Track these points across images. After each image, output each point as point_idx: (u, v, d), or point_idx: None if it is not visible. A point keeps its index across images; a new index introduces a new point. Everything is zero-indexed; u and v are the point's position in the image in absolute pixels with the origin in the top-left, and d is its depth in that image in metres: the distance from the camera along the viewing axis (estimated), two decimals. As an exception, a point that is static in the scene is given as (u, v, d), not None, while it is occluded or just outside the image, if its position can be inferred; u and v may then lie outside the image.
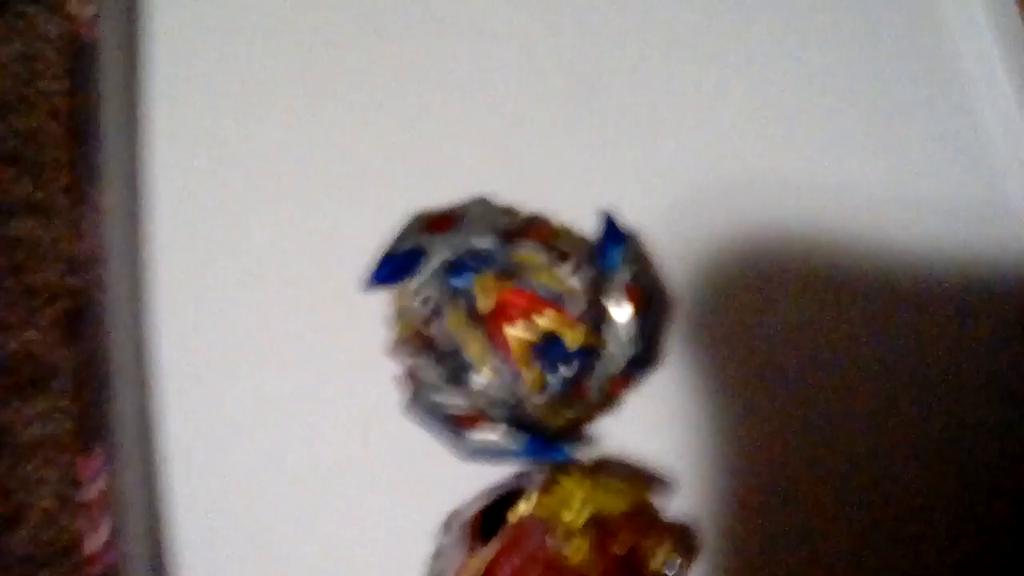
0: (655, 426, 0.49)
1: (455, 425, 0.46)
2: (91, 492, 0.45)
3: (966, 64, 0.56)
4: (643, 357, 0.48)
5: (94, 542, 0.45)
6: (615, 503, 0.44)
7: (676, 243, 0.52)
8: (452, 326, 0.46)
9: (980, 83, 0.55)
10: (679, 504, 0.48)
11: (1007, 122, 0.54)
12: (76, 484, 0.48)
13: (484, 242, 0.47)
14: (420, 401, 0.46)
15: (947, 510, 0.49)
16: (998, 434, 0.50)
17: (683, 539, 0.47)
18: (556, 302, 0.46)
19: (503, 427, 0.45)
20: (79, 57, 0.51)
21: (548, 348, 0.46)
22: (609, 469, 0.48)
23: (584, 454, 0.49)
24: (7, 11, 0.56)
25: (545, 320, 0.46)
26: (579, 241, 0.49)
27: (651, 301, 0.49)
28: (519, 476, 0.46)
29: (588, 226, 0.50)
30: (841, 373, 0.51)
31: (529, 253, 0.47)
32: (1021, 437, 0.50)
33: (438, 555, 0.45)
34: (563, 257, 0.47)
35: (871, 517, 0.49)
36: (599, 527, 0.44)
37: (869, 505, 0.49)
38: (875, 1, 0.57)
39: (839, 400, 0.51)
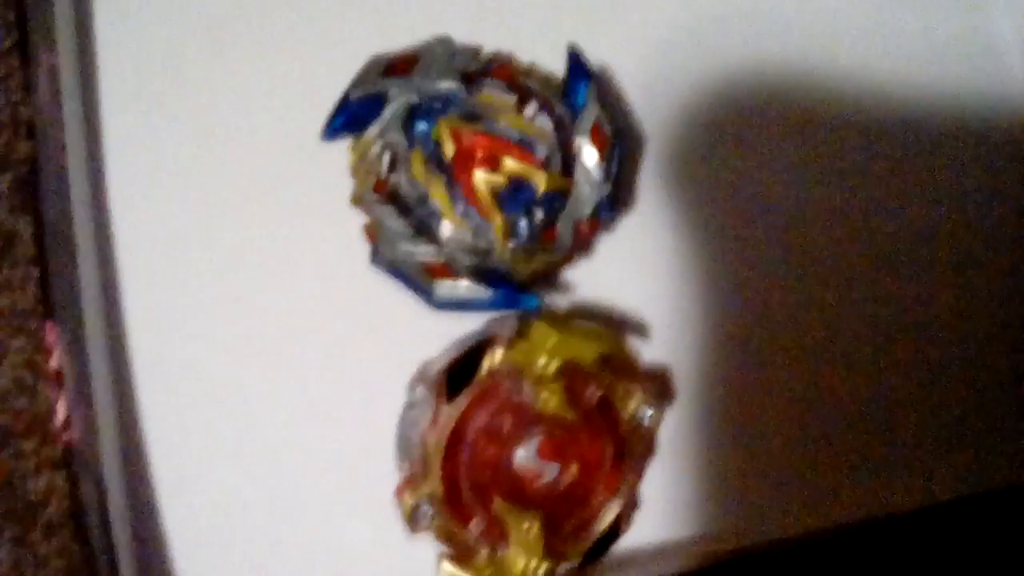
0: (628, 271, 0.49)
1: (423, 275, 0.45)
2: (52, 359, 0.44)
3: None
4: (614, 199, 0.46)
5: (60, 411, 0.44)
6: (587, 350, 0.44)
7: (648, 80, 0.50)
8: (415, 173, 0.45)
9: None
10: (653, 351, 0.48)
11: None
12: (45, 353, 0.47)
13: (446, 84, 0.45)
14: (386, 252, 0.45)
15: (933, 342, 0.49)
16: (995, 276, 0.50)
17: (657, 386, 0.46)
18: (523, 145, 0.45)
19: (473, 275, 0.44)
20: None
21: (516, 193, 0.44)
22: (582, 316, 0.47)
23: (556, 301, 0.48)
24: None
25: (512, 163, 0.44)
26: (544, 80, 0.47)
27: (621, 140, 0.47)
28: (490, 325, 0.45)
29: (554, 65, 0.48)
30: (822, 215, 0.50)
31: (493, 95, 0.45)
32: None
33: (411, 407, 0.44)
34: (528, 97, 0.45)
35: (851, 363, 0.49)
36: (571, 374, 0.43)
37: (849, 351, 0.49)
38: None
39: (820, 243, 0.50)
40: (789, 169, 0.50)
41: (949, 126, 0.51)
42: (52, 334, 0.45)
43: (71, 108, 0.48)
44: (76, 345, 0.45)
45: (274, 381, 0.47)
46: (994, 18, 0.52)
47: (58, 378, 0.44)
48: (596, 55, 0.48)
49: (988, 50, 0.52)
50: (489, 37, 0.48)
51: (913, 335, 0.49)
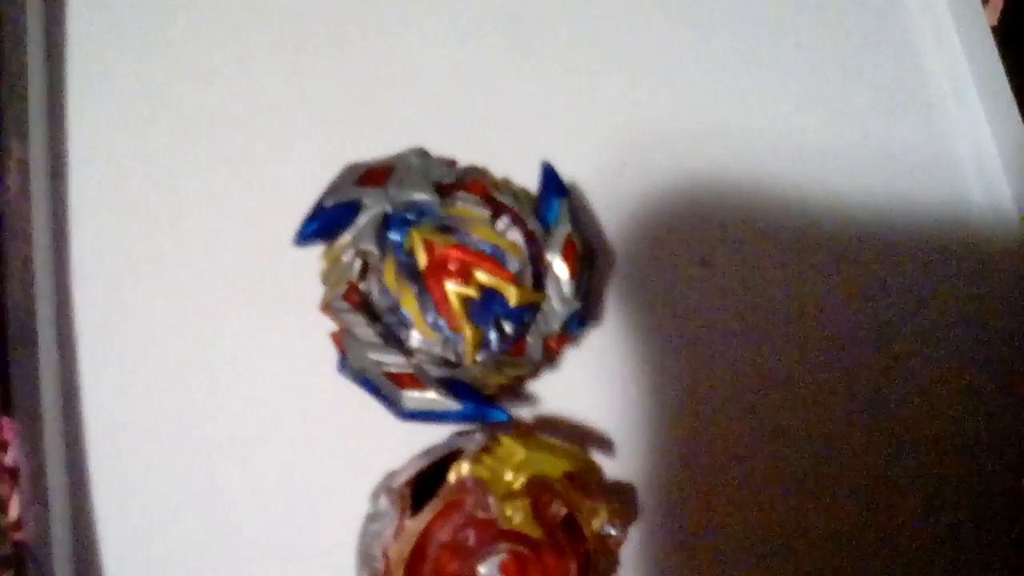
0: (592, 385, 0.49)
1: (391, 384, 0.45)
2: (7, 455, 0.44)
3: (913, 14, 0.55)
4: (583, 314, 0.46)
5: (13, 508, 0.43)
6: (555, 465, 0.44)
7: (615, 196, 0.51)
8: (387, 282, 0.45)
9: (927, 35, 0.55)
10: (617, 465, 0.48)
11: (953, 74, 0.54)
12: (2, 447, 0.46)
13: (421, 195, 0.46)
14: (355, 359, 0.45)
15: (886, 458, 0.50)
16: (955, 390, 0.51)
17: (621, 503, 0.46)
18: (495, 258, 0.45)
19: (441, 387, 0.44)
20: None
21: (487, 305, 0.45)
22: (546, 428, 0.47)
23: (521, 413, 0.48)
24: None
25: (483, 276, 0.45)
26: (518, 194, 0.47)
27: (591, 256, 0.47)
28: (457, 437, 0.45)
29: (527, 178, 0.48)
30: (783, 328, 0.50)
31: (467, 207, 0.46)
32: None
33: (373, 518, 0.44)
34: (502, 211, 0.46)
35: (819, 471, 0.49)
36: (538, 489, 0.43)
37: (818, 457, 0.49)
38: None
39: (780, 356, 0.50)
40: (753, 285, 0.51)
41: (908, 238, 0.52)
42: (9, 430, 0.44)
43: (39, 201, 0.48)
44: (33, 441, 0.45)
45: (235, 486, 0.47)
46: (952, 134, 0.53)
47: (13, 475, 0.43)
48: (566, 171, 0.49)
49: (943, 164, 0.53)
50: (464, 149, 0.49)
51: (877, 455, 0.50)
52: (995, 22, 0.51)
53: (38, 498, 0.44)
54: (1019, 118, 0.50)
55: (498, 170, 0.49)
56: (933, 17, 0.55)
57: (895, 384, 0.50)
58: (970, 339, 0.51)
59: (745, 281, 0.51)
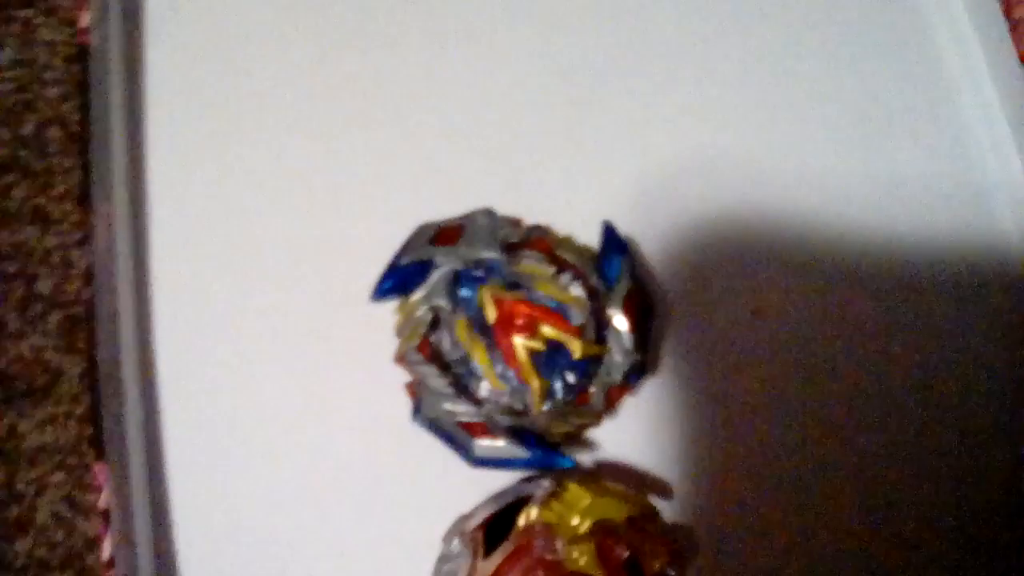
0: (653, 430, 0.51)
1: (462, 433, 0.47)
2: (101, 499, 0.46)
3: (946, 56, 0.57)
4: (642, 365, 0.49)
5: (105, 549, 0.45)
6: (617, 509, 0.46)
7: (670, 250, 0.53)
8: (458, 336, 0.47)
9: (958, 72, 0.57)
10: (675, 508, 0.50)
11: (986, 113, 0.56)
12: (87, 489, 0.48)
13: (489, 254, 0.48)
14: (428, 409, 0.48)
15: (943, 503, 0.51)
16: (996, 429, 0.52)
17: (681, 542, 0.48)
18: (559, 312, 0.47)
19: (510, 435, 0.47)
20: (80, 63, 0.51)
21: (552, 357, 0.47)
22: (608, 474, 0.49)
23: (583, 459, 0.50)
24: (2, 14, 0.56)
25: (549, 330, 0.47)
26: (580, 251, 0.50)
27: (649, 310, 0.50)
28: (525, 482, 0.47)
29: (589, 234, 0.51)
30: (833, 369, 0.52)
31: (532, 264, 0.48)
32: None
33: (445, 560, 0.46)
34: (565, 267, 0.48)
35: (867, 516, 0.51)
36: (602, 532, 0.45)
37: (865, 504, 0.51)
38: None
39: (832, 396, 0.52)
40: (800, 332, 0.53)
41: (943, 272, 0.54)
42: (102, 475, 0.46)
43: (124, 257, 0.51)
44: (121, 485, 0.47)
45: (313, 527, 0.49)
46: (982, 164, 0.56)
47: (105, 517, 0.46)
48: (625, 225, 0.52)
49: (976, 196, 0.55)
50: (529, 208, 0.52)
51: (923, 482, 0.51)
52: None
53: (127, 539, 0.47)
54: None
55: (561, 225, 0.52)
56: (965, 58, 0.57)
57: (938, 425, 0.52)
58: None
59: (794, 329, 0.53)
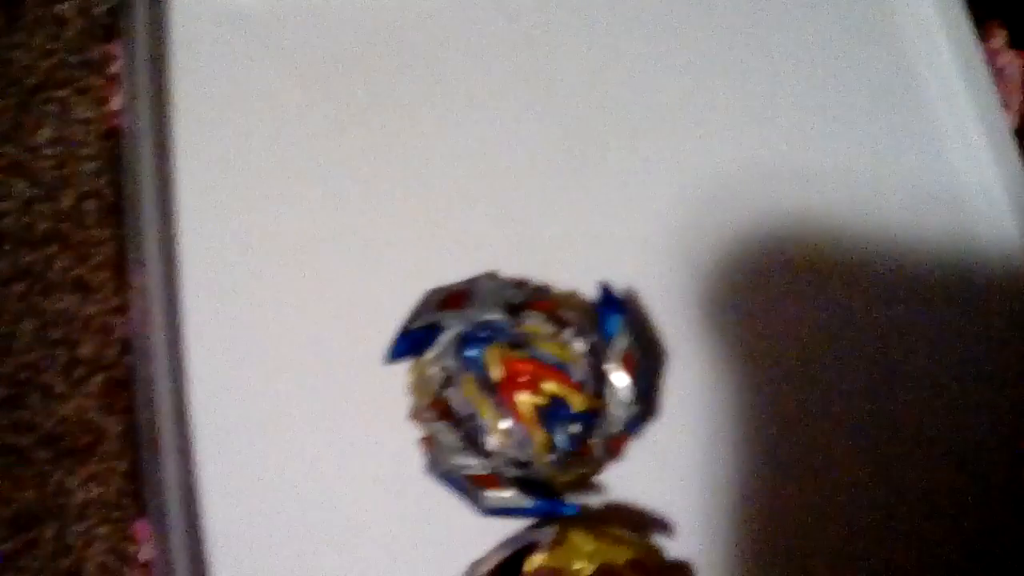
0: (654, 473, 0.54)
1: (473, 484, 0.50)
2: (144, 553, 0.50)
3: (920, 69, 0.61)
4: (642, 414, 0.52)
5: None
6: (621, 553, 0.49)
7: (670, 298, 0.56)
8: (467, 393, 0.50)
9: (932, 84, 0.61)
10: (678, 547, 0.53)
11: (960, 122, 0.60)
12: (131, 541, 0.52)
13: (493, 315, 0.51)
14: (440, 462, 0.51)
15: (942, 510, 0.54)
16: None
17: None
18: (560, 369, 0.50)
19: (517, 486, 0.50)
20: (113, 139, 0.55)
21: (554, 411, 0.50)
22: (612, 516, 0.52)
23: (591, 501, 0.53)
24: (39, 94, 0.60)
25: (551, 386, 0.50)
26: (580, 309, 0.53)
27: (648, 364, 0.53)
28: (533, 530, 0.50)
29: (588, 290, 0.54)
30: (831, 403, 0.55)
31: (535, 324, 0.51)
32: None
33: (460, 602, 0.49)
34: (566, 326, 0.51)
35: (870, 550, 0.53)
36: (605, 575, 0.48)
37: (869, 535, 0.54)
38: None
39: (833, 433, 0.55)
40: (798, 375, 0.56)
41: (944, 272, 0.57)
42: (144, 530, 0.50)
43: (158, 324, 0.55)
44: (162, 540, 0.51)
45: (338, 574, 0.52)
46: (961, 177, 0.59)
47: (146, 569, 0.50)
48: (621, 278, 0.55)
49: (955, 205, 0.59)
50: (530, 268, 0.55)
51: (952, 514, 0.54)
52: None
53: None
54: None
55: (565, 280, 0.55)
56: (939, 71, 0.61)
57: (909, 429, 0.55)
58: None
59: (787, 375, 0.56)
